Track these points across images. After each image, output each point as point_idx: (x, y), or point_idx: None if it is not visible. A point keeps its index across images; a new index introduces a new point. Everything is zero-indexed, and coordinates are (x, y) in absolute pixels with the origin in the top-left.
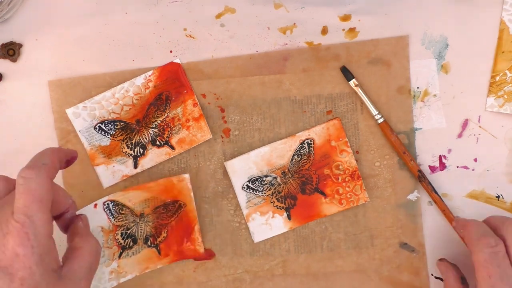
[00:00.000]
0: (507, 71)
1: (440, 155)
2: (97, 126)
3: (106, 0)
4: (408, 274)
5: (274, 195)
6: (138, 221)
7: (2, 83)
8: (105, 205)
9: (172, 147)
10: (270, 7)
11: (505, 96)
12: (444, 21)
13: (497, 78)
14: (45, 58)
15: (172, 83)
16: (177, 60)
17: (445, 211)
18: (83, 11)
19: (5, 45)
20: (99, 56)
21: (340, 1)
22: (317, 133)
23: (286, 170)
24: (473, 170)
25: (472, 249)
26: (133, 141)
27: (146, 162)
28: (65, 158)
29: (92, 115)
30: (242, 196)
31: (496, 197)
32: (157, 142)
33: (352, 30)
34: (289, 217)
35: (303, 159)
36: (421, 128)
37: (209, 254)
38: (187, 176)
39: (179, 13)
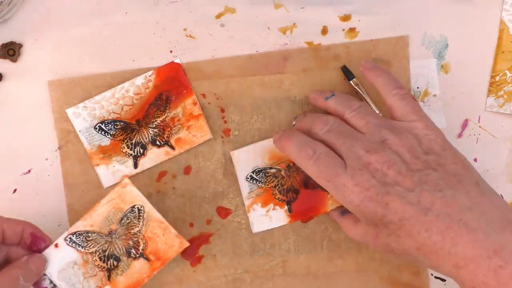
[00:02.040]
0: (507, 71)
1: None
2: (97, 126)
3: (106, 0)
4: (408, 274)
5: (277, 187)
6: (111, 239)
7: (2, 83)
8: (67, 240)
9: (172, 147)
10: (270, 7)
11: (505, 96)
12: (444, 21)
13: (497, 78)
14: (45, 58)
15: (172, 83)
16: (177, 60)
17: None
18: (83, 11)
19: (5, 45)
20: (99, 56)
21: (340, 1)
22: None
23: (291, 164)
24: None
25: (301, 167)
26: (133, 141)
27: (146, 162)
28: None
29: (92, 115)
30: (244, 187)
31: None
32: (157, 142)
33: (352, 30)
34: (289, 210)
35: None
36: None
37: (204, 238)
38: (127, 180)
39: (179, 13)
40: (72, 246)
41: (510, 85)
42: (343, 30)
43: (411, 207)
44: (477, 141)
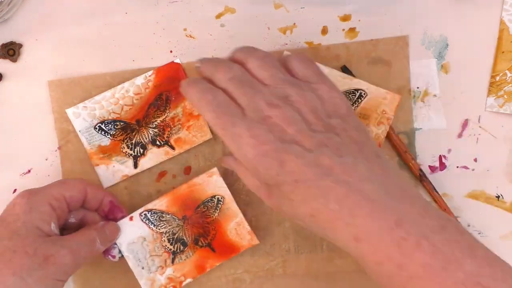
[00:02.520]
0: (507, 71)
1: (440, 155)
2: (97, 126)
3: (106, 0)
4: None
5: None
6: (183, 224)
7: (2, 83)
8: (141, 215)
9: (172, 147)
10: (270, 7)
11: (505, 96)
12: (444, 21)
13: (497, 78)
14: (45, 58)
15: (172, 83)
16: (177, 60)
17: (446, 211)
18: (83, 11)
19: (5, 45)
20: (99, 56)
21: (340, 1)
22: (374, 93)
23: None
24: (473, 170)
25: (201, 114)
26: (133, 141)
27: (146, 162)
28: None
29: (92, 115)
30: None
31: (496, 197)
32: (157, 142)
33: (352, 30)
34: None
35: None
36: (421, 128)
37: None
38: (215, 169)
39: (179, 13)
40: (145, 223)
41: (510, 85)
42: (343, 30)
43: (309, 169)
44: (477, 141)
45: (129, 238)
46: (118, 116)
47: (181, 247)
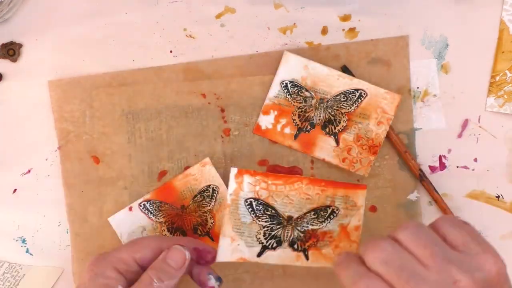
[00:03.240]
0: (507, 71)
1: (440, 155)
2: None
3: (106, 0)
4: None
5: (299, 110)
6: (181, 213)
7: (2, 83)
8: (141, 206)
9: (307, 257)
10: (270, 7)
11: (505, 96)
12: (444, 21)
13: (497, 78)
14: (45, 58)
15: None
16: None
17: (446, 211)
18: (83, 11)
19: (5, 45)
20: (99, 56)
21: (340, 1)
22: (373, 92)
23: (325, 100)
24: (473, 170)
25: None
26: (269, 232)
27: (272, 257)
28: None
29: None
30: (274, 89)
31: (496, 197)
32: (294, 246)
33: (352, 30)
34: (295, 137)
35: (346, 103)
36: (421, 128)
37: None
38: (207, 159)
39: (179, 13)
40: (144, 213)
41: (510, 85)
42: (343, 30)
43: None
44: (477, 141)
45: (130, 228)
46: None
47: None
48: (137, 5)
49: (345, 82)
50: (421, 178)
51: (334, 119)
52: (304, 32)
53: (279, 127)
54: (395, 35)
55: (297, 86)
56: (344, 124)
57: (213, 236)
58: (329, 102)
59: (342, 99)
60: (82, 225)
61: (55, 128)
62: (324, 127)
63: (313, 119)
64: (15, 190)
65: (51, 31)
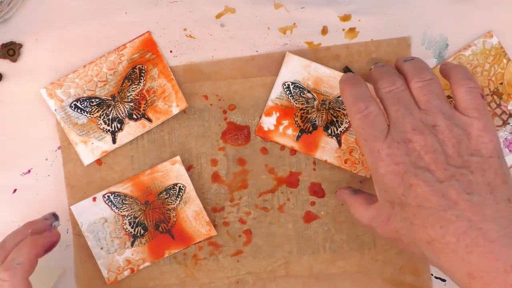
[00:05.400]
0: None
1: None
2: (72, 104)
3: (106, 0)
4: (410, 275)
5: (301, 111)
6: (145, 208)
7: (2, 83)
8: (105, 197)
9: (149, 120)
10: (270, 7)
11: (504, 96)
12: (444, 21)
13: None
14: (45, 58)
15: (144, 56)
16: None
17: None
18: (83, 11)
19: (5, 45)
20: (99, 56)
21: (340, 1)
22: (373, 92)
23: (327, 101)
24: None
25: (349, 116)
26: (110, 117)
27: (124, 137)
28: (44, 248)
29: (67, 94)
30: (276, 90)
31: None
32: (134, 116)
33: (352, 30)
34: (298, 138)
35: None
36: None
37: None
38: (177, 158)
39: (179, 13)
40: (107, 204)
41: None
42: (343, 30)
43: (433, 197)
44: None
45: (91, 219)
46: (93, 93)
47: (142, 231)
48: (137, 5)
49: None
50: None
51: (336, 120)
52: (304, 32)
53: (281, 128)
54: (395, 35)
55: (299, 88)
56: (346, 125)
57: (174, 234)
58: (331, 103)
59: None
60: None
61: (56, 128)
62: (326, 128)
63: (315, 121)
64: (15, 190)
65: (51, 31)
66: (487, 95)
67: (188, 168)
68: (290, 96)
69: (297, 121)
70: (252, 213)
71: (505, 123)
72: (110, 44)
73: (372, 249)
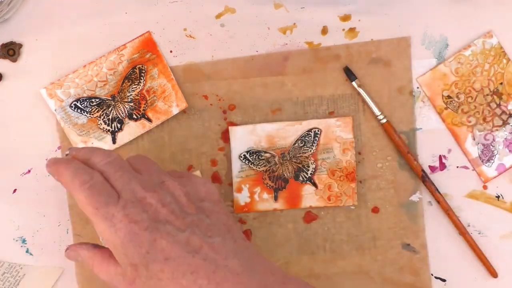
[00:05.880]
0: None
1: (440, 155)
2: (72, 104)
3: (106, 0)
4: (410, 275)
5: (267, 173)
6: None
7: (2, 83)
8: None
9: (149, 120)
10: (270, 7)
11: (504, 96)
12: (444, 21)
13: None
14: (45, 58)
15: (144, 56)
16: (153, 36)
17: (449, 212)
18: (83, 11)
19: (5, 45)
20: (99, 56)
21: (340, 1)
22: (325, 125)
23: (286, 152)
24: (473, 170)
25: (72, 194)
26: (110, 117)
27: (124, 137)
28: None
29: (67, 94)
30: (236, 165)
31: (496, 197)
32: (134, 116)
33: (352, 30)
34: (276, 198)
35: (305, 146)
36: (421, 128)
37: None
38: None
39: (179, 13)
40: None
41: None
42: (343, 30)
43: (179, 247)
44: None
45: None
46: (93, 93)
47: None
48: (137, 5)
49: (296, 129)
50: (423, 179)
51: (302, 166)
52: (304, 32)
53: (256, 196)
54: (395, 35)
55: (255, 152)
56: (313, 166)
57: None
58: (291, 153)
59: (301, 145)
60: (84, 226)
61: (56, 128)
62: (296, 177)
63: (284, 175)
64: (15, 190)
65: (51, 31)
66: (487, 95)
67: (188, 168)
68: (251, 164)
69: (267, 183)
70: (252, 213)
71: (505, 123)
72: (110, 44)
73: (372, 249)
